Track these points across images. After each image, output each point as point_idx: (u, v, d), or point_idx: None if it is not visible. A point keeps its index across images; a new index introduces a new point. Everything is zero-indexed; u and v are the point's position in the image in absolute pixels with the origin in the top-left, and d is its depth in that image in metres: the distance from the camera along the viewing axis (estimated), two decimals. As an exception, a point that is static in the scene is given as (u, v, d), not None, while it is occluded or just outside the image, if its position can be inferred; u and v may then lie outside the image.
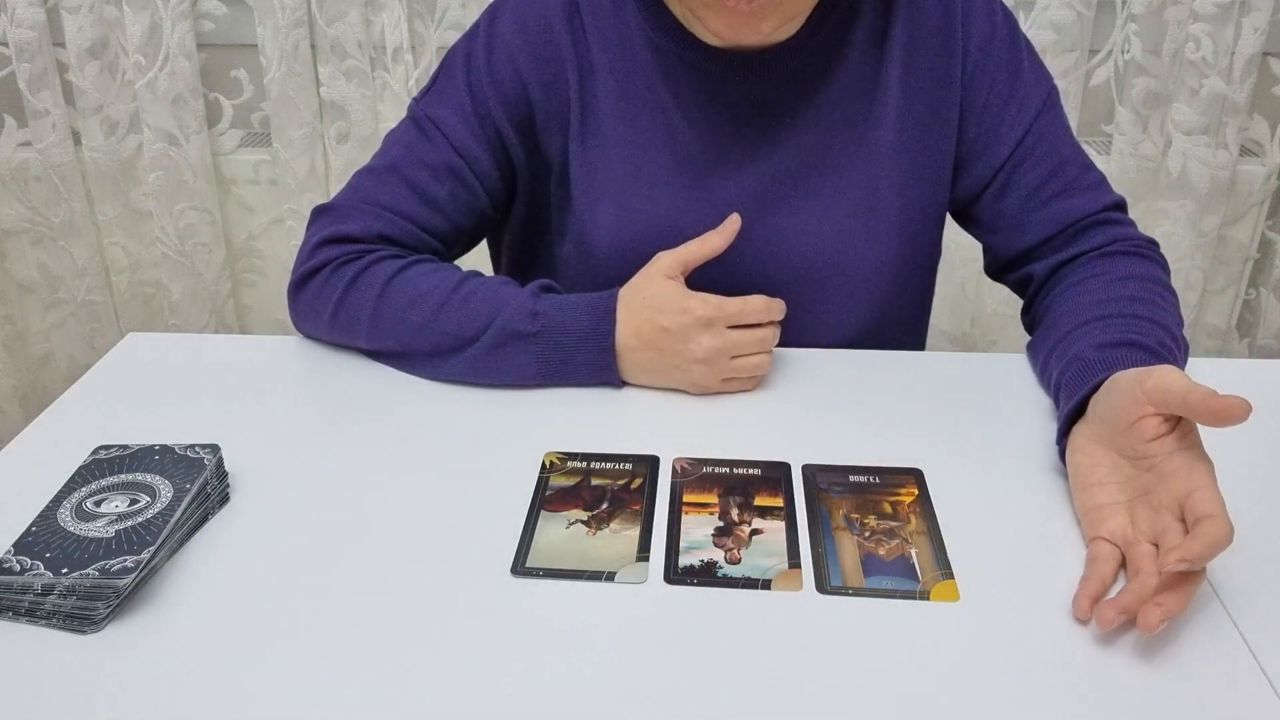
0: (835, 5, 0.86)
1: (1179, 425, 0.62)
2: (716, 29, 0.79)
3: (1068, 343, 0.78)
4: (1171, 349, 0.75)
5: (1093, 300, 0.81)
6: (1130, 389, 0.64)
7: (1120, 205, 0.91)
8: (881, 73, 0.88)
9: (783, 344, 0.85)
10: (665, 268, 0.81)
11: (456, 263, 0.90)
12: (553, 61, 0.88)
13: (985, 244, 0.95)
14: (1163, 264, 0.87)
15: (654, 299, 0.79)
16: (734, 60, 0.86)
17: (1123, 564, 0.62)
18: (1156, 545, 0.61)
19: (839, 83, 0.88)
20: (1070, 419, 0.70)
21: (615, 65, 0.88)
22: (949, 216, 0.98)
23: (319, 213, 0.89)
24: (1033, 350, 0.85)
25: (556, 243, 0.95)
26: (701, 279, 0.82)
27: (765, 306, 0.79)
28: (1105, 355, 0.72)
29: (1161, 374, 0.62)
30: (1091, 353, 0.73)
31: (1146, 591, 0.57)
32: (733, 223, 0.81)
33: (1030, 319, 0.93)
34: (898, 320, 0.95)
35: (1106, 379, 0.68)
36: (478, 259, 0.95)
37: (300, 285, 0.87)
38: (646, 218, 0.88)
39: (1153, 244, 0.89)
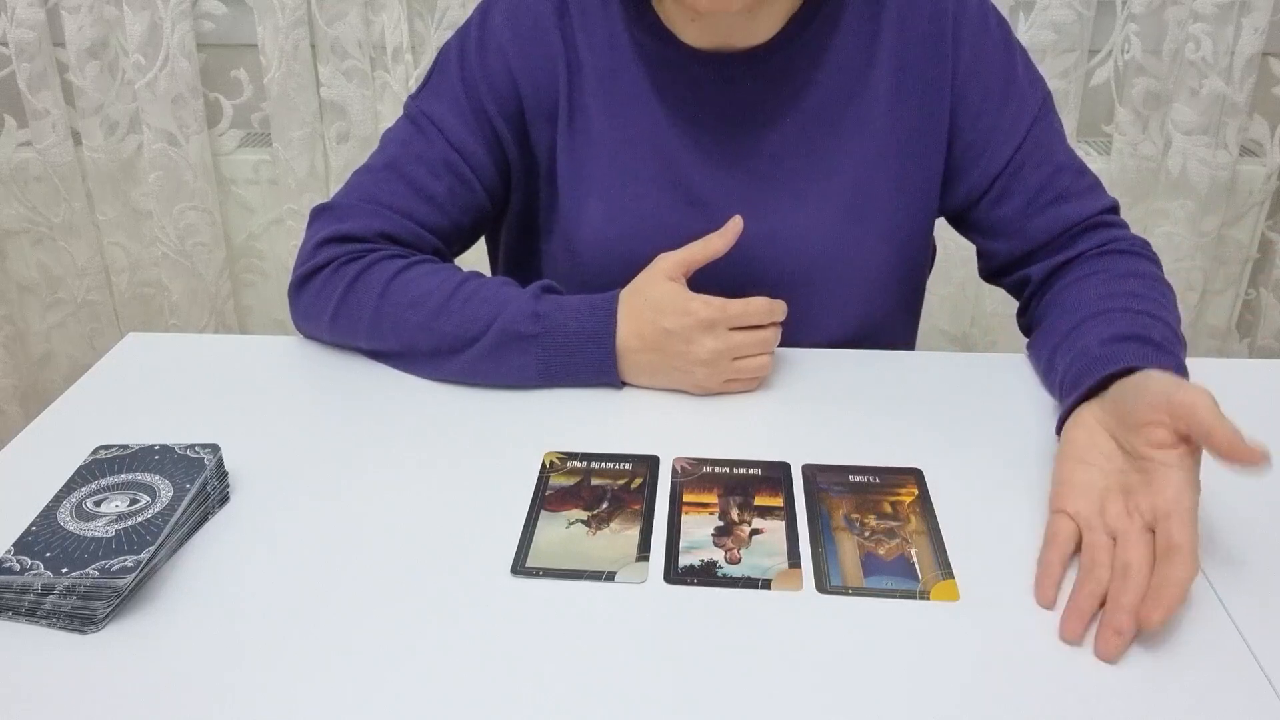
0: (821, 5, 0.86)
1: (1188, 443, 0.62)
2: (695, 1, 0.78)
3: (1074, 338, 0.78)
4: (1174, 343, 0.75)
5: (1095, 295, 0.81)
6: (1158, 393, 0.64)
7: (1114, 208, 0.91)
8: (869, 76, 0.88)
9: None
10: (667, 269, 0.81)
11: (457, 263, 0.90)
12: (542, 58, 0.88)
13: (981, 249, 0.95)
14: (1157, 262, 0.88)
15: (656, 300, 0.79)
16: (717, 61, 0.86)
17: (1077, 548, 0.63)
18: (1114, 540, 0.61)
19: (824, 85, 0.87)
20: (1074, 407, 0.71)
21: (602, 63, 0.88)
22: (945, 221, 0.97)
23: (319, 212, 0.89)
24: (1034, 348, 0.85)
25: (545, 239, 0.95)
26: (689, 280, 0.82)
27: (767, 308, 0.79)
28: (1113, 349, 0.72)
29: (1193, 394, 0.62)
30: (1098, 347, 0.74)
31: (1118, 616, 0.57)
32: (735, 225, 0.81)
33: (1027, 320, 0.93)
34: (887, 324, 0.95)
35: (1135, 370, 0.69)
36: (477, 261, 0.95)
37: (301, 285, 0.87)
38: (633, 216, 0.88)
39: (1146, 244, 0.89)
